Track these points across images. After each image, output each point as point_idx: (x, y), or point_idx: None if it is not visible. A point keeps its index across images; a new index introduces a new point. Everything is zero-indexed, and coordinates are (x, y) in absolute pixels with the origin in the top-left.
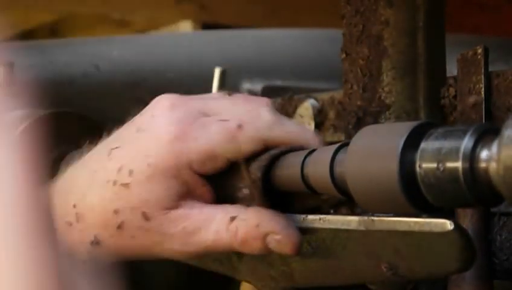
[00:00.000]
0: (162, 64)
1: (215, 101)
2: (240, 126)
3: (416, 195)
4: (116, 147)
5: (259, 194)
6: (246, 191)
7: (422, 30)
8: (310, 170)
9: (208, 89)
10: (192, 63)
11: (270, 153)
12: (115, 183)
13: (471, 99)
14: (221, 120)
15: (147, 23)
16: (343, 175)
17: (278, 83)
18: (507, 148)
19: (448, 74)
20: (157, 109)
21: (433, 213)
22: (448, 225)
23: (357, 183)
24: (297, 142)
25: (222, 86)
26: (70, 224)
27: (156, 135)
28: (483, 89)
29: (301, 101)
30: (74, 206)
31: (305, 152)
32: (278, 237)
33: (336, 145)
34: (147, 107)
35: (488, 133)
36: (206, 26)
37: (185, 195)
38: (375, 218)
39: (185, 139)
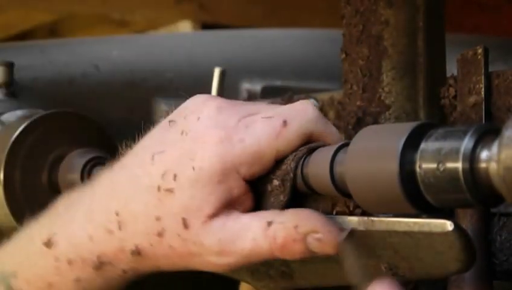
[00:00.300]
0: (162, 64)
1: (260, 104)
2: (284, 122)
3: (416, 195)
4: (160, 152)
5: (290, 186)
6: (276, 182)
7: (422, 30)
8: (309, 170)
9: (208, 90)
10: (192, 63)
11: (308, 146)
12: (159, 189)
13: (471, 99)
14: (265, 117)
15: (146, 23)
16: (343, 175)
17: (278, 83)
18: (507, 148)
19: (448, 74)
20: (203, 111)
21: (433, 213)
22: (448, 225)
23: (357, 183)
24: (336, 142)
25: (222, 86)
26: (112, 232)
27: (201, 138)
28: (483, 89)
29: None
30: (116, 213)
31: (305, 152)
32: (318, 235)
33: (336, 146)
34: (190, 109)
35: (488, 133)
36: (206, 26)
37: (226, 203)
38: (375, 218)
39: (231, 141)
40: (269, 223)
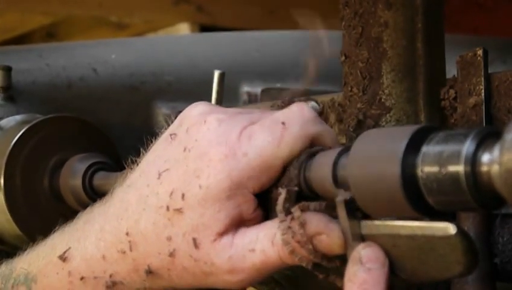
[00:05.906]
0: (161, 67)
1: (256, 110)
2: (283, 128)
3: (418, 199)
4: (166, 170)
5: (295, 193)
6: (281, 190)
7: (422, 32)
8: (312, 174)
9: (208, 92)
10: (192, 66)
11: (309, 150)
12: (168, 208)
13: (471, 100)
14: (264, 126)
15: (144, 26)
16: (346, 179)
17: (278, 85)
18: (509, 151)
19: (447, 74)
20: (204, 124)
21: (435, 216)
22: (450, 228)
23: (360, 187)
24: (334, 142)
25: (222, 89)
26: (124, 252)
27: (205, 155)
28: (483, 91)
29: None
30: (127, 234)
31: (306, 157)
32: (323, 236)
33: (338, 150)
34: (191, 121)
35: (489, 136)
36: (204, 28)
37: (236, 219)
38: (379, 222)
39: (235, 156)
40: (275, 233)
